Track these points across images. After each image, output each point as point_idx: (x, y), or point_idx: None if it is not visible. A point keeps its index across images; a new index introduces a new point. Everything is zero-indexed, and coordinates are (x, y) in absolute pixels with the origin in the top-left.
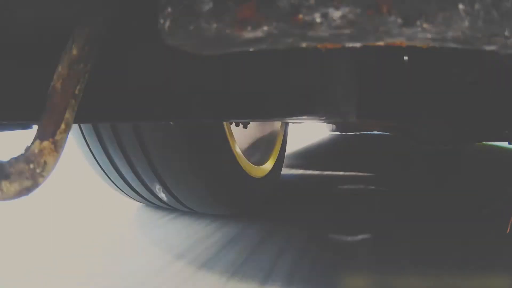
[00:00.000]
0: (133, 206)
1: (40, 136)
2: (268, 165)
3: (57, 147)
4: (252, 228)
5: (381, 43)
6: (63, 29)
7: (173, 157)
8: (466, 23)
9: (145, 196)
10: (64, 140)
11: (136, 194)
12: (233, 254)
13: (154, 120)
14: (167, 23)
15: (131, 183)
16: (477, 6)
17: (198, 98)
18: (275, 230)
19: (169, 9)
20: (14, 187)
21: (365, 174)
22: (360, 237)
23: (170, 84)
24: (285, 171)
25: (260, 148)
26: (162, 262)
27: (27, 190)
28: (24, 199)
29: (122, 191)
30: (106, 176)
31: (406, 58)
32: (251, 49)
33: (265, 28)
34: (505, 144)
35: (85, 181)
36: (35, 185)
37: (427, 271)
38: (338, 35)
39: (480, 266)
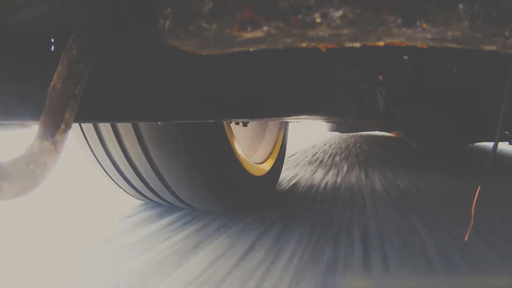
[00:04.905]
0: (133, 204)
1: (40, 136)
2: (268, 164)
3: (57, 147)
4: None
5: (381, 43)
6: (63, 29)
7: (173, 155)
8: (466, 23)
9: (145, 194)
10: (64, 140)
11: (136, 192)
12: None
13: (154, 120)
14: (167, 23)
15: (131, 181)
16: (477, 6)
17: (198, 98)
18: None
19: (169, 9)
20: (14, 187)
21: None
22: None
23: (170, 84)
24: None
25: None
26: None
27: (26, 190)
28: (24, 199)
29: (123, 189)
30: (106, 174)
31: (406, 58)
32: (251, 49)
33: (265, 28)
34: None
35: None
36: (35, 185)
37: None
38: (338, 35)
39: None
